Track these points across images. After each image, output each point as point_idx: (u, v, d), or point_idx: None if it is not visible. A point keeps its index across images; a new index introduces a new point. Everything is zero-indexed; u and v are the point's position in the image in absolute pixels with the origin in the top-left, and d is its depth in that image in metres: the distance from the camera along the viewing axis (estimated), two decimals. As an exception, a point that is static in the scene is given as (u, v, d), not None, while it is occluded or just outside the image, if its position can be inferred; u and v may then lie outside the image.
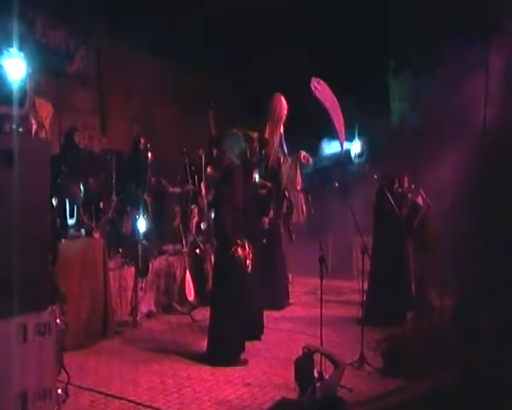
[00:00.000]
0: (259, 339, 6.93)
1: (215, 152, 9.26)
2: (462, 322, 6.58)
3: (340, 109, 10.33)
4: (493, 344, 6.00)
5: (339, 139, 10.76)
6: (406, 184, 8.19)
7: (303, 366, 4.39)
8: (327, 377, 4.79)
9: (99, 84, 10.42)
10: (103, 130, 10.38)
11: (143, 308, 7.86)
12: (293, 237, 9.06)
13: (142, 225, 7.83)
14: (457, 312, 7.05)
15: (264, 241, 7.57)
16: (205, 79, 11.65)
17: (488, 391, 4.90)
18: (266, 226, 7.92)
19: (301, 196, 9.67)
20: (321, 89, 10.09)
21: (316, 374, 4.50)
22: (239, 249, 6.04)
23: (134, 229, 7.87)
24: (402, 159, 9.45)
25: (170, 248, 8.66)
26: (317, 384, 4.37)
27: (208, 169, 8.95)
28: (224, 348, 6.10)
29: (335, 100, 10.24)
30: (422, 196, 8.19)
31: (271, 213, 8.18)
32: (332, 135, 10.81)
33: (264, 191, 8.17)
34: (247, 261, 6.12)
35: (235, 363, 6.03)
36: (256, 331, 6.94)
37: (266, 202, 8.12)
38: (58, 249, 6.26)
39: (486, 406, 4.82)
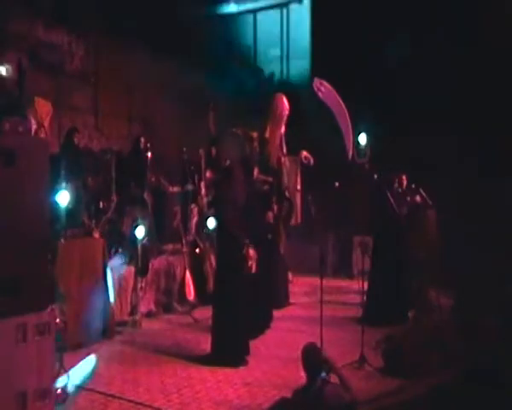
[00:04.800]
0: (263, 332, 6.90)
1: (214, 152, 9.26)
2: (462, 322, 6.58)
3: (346, 111, 10.21)
4: (493, 343, 5.99)
5: (345, 141, 10.64)
6: (405, 183, 8.17)
7: (309, 352, 4.38)
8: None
9: (98, 83, 10.41)
10: (102, 129, 10.38)
11: (143, 308, 7.85)
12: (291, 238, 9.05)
13: (141, 224, 7.82)
14: (457, 312, 7.05)
15: (270, 236, 7.54)
16: (205, 79, 11.64)
17: (488, 391, 4.90)
18: (271, 221, 7.88)
19: (300, 196, 9.65)
20: (324, 90, 9.99)
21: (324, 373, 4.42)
22: (250, 250, 6.02)
23: (134, 228, 7.86)
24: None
25: (170, 247, 8.65)
26: (325, 376, 4.28)
27: (208, 173, 8.94)
28: (228, 349, 6.06)
29: (341, 101, 10.12)
30: (422, 196, 8.17)
31: (275, 207, 8.15)
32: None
33: (266, 187, 8.14)
34: (250, 262, 6.11)
35: (236, 363, 6.01)
36: (259, 330, 6.97)
37: (269, 197, 8.10)
38: (57, 249, 6.26)
39: (486, 405, 4.81)
